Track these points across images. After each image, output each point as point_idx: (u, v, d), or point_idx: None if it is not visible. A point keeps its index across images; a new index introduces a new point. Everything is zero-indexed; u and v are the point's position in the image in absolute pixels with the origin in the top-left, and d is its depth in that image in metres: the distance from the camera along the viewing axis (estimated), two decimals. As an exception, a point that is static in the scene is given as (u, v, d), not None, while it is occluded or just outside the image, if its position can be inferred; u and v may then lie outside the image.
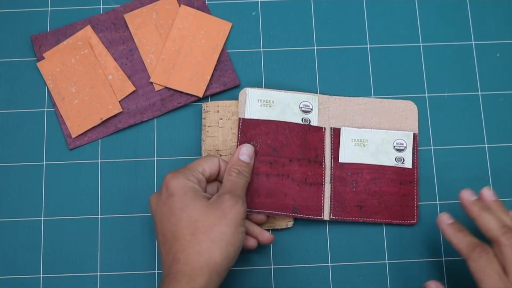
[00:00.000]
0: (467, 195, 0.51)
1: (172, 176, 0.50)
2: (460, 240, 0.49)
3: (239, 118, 0.56)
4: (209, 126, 0.57)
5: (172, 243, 0.48)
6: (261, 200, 0.55)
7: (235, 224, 0.48)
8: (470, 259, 0.48)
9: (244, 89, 0.57)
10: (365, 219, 0.56)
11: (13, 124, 0.59)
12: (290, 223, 0.56)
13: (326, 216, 0.56)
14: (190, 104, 0.60)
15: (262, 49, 0.61)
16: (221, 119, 0.57)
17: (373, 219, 0.56)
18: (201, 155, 0.57)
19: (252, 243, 0.54)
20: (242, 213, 0.49)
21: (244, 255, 0.56)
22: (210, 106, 0.58)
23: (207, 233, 0.47)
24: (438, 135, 0.59)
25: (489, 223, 0.49)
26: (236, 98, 0.59)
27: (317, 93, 0.60)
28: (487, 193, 0.51)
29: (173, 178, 0.50)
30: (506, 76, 0.61)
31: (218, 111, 0.58)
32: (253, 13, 0.62)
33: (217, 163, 0.53)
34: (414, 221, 0.56)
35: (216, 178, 0.54)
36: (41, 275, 0.56)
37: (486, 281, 0.47)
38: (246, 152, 0.54)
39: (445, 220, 0.51)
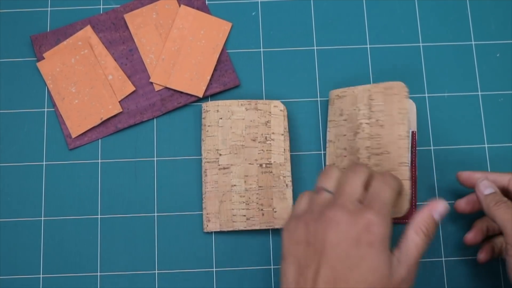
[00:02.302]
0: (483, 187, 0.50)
1: (377, 217, 0.42)
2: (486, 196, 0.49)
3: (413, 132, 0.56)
4: (209, 126, 0.57)
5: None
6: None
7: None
8: (489, 210, 0.48)
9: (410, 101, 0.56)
10: None
11: (13, 124, 0.59)
12: None
13: None
14: (190, 104, 0.60)
15: (262, 49, 0.61)
16: (221, 118, 0.57)
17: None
18: (201, 154, 0.57)
19: None
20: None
21: (244, 255, 0.56)
22: (210, 106, 0.58)
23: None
24: (438, 135, 0.59)
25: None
26: (236, 98, 0.59)
27: (317, 93, 0.60)
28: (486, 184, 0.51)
29: (380, 223, 0.42)
30: (506, 76, 0.61)
31: (218, 111, 0.57)
32: (253, 13, 0.62)
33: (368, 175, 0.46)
34: None
35: None
36: (41, 275, 0.56)
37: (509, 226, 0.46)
38: (441, 209, 0.45)
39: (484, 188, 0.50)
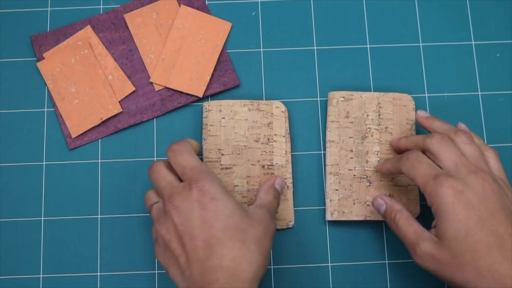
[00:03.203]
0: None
1: (205, 177, 0.48)
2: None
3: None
4: (211, 125, 0.57)
5: (212, 249, 0.46)
6: None
7: (271, 241, 0.48)
8: (402, 166, 0.49)
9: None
10: (366, 217, 0.56)
11: (13, 124, 0.59)
12: (290, 223, 0.56)
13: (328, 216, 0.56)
14: (190, 104, 0.60)
15: (262, 49, 0.61)
16: (224, 118, 0.57)
17: (373, 218, 0.56)
18: (202, 154, 0.57)
19: None
20: (272, 233, 0.49)
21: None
22: (212, 105, 0.58)
23: (257, 245, 0.47)
24: (438, 135, 0.59)
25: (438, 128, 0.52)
26: (236, 98, 0.59)
27: (317, 93, 0.60)
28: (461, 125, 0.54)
29: (210, 183, 0.47)
30: (506, 76, 0.61)
31: (220, 110, 0.57)
32: (253, 13, 0.62)
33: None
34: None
35: None
36: (41, 275, 0.56)
37: (417, 174, 0.48)
38: (280, 183, 0.54)
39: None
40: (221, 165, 0.56)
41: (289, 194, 0.57)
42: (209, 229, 0.46)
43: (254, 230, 0.47)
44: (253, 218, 0.48)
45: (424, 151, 0.50)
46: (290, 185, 0.57)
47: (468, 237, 0.44)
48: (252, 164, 0.56)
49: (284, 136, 0.57)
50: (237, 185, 0.56)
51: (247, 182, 0.56)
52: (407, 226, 0.48)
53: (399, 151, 0.55)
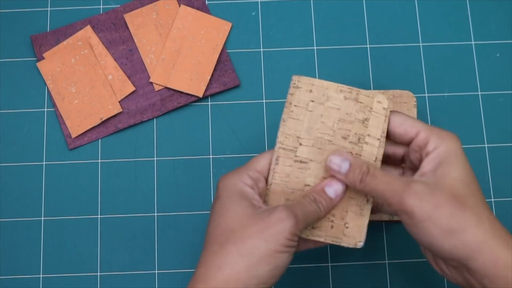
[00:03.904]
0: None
1: (225, 176, 0.44)
2: None
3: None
4: (295, 106, 0.47)
5: (203, 250, 0.43)
6: None
7: (276, 242, 0.41)
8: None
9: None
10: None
11: (13, 124, 0.59)
12: (359, 244, 0.47)
13: None
14: (190, 104, 0.60)
15: (262, 49, 0.61)
16: (313, 101, 0.47)
17: (373, 218, 0.56)
18: (276, 138, 0.47)
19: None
20: (289, 233, 0.41)
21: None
22: (302, 82, 0.47)
23: (237, 245, 0.41)
24: (438, 135, 0.59)
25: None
26: (236, 98, 0.59)
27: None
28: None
29: (224, 178, 0.44)
30: (506, 76, 0.61)
31: (311, 91, 0.47)
32: (253, 13, 0.62)
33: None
34: None
35: None
36: (41, 275, 0.56)
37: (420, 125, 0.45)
38: (335, 187, 0.45)
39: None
40: (296, 156, 0.46)
41: (366, 209, 0.46)
42: (207, 229, 0.44)
43: (242, 230, 0.41)
44: (255, 216, 0.42)
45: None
46: (371, 199, 0.46)
47: (472, 184, 0.43)
48: None
49: (378, 140, 0.47)
50: (308, 185, 0.46)
51: None
52: (386, 176, 0.44)
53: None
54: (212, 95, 0.60)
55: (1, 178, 0.58)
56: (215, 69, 0.60)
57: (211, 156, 0.59)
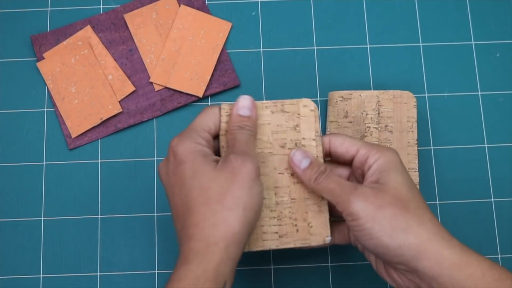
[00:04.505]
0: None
1: (178, 140, 0.46)
2: None
3: None
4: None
5: (185, 217, 0.44)
6: None
7: (249, 185, 0.44)
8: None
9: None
10: None
11: (13, 124, 0.59)
12: (328, 238, 0.49)
13: None
14: (190, 104, 0.60)
15: (262, 49, 0.61)
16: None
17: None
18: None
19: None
20: (253, 171, 0.44)
21: (244, 255, 0.56)
22: (230, 108, 0.49)
23: (221, 201, 0.43)
24: (438, 135, 0.59)
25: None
26: (236, 98, 0.59)
27: (317, 93, 0.60)
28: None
29: (180, 143, 0.45)
30: (506, 76, 0.61)
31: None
32: (253, 13, 0.62)
33: (219, 115, 0.48)
34: None
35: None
36: (41, 275, 0.56)
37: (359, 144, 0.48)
38: (244, 104, 0.48)
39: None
40: None
41: (324, 205, 0.49)
42: (179, 197, 0.45)
43: (218, 186, 0.43)
44: (222, 168, 0.44)
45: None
46: None
47: (414, 189, 0.46)
48: (280, 173, 0.49)
49: (314, 139, 0.50)
50: (264, 198, 0.48)
51: (275, 194, 0.49)
52: (338, 178, 0.47)
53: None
54: (212, 95, 0.60)
55: (1, 178, 0.58)
56: (215, 69, 0.60)
57: (211, 156, 0.59)
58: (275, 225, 0.49)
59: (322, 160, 0.49)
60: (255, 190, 0.44)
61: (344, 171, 0.50)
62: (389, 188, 0.45)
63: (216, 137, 0.49)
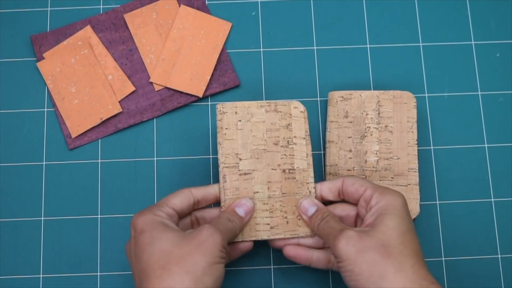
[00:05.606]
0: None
1: (138, 214, 0.47)
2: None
3: None
4: (226, 129, 0.53)
5: (142, 283, 0.44)
6: None
7: (212, 255, 0.45)
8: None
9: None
10: None
11: (13, 124, 0.59)
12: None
13: None
14: (190, 104, 0.60)
15: (262, 49, 0.61)
16: (240, 121, 0.54)
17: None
18: (218, 160, 0.53)
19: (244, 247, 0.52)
20: (220, 245, 0.46)
21: (244, 255, 0.56)
22: (227, 107, 0.54)
23: (180, 264, 0.44)
24: (438, 135, 0.59)
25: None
26: (236, 98, 0.59)
27: (317, 93, 0.60)
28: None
29: (139, 216, 0.47)
30: (506, 76, 0.61)
31: (236, 113, 0.54)
32: (253, 13, 0.62)
33: (189, 195, 0.50)
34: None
35: (190, 212, 0.51)
36: (41, 275, 0.56)
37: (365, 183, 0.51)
38: (244, 205, 0.51)
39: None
40: (239, 170, 0.53)
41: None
42: (139, 264, 0.45)
43: (179, 249, 0.44)
44: (186, 237, 0.46)
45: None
46: (313, 191, 0.53)
47: (407, 234, 0.46)
48: (273, 169, 0.53)
49: (304, 138, 0.54)
50: (257, 192, 0.53)
51: (268, 188, 0.53)
52: (334, 222, 0.49)
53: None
54: (212, 95, 0.60)
55: (1, 178, 0.58)
56: (215, 69, 0.60)
57: (211, 156, 0.59)
58: (267, 217, 0.53)
59: (311, 159, 0.54)
60: (217, 261, 0.45)
61: (352, 211, 0.52)
62: (376, 232, 0.46)
63: (183, 216, 0.51)
